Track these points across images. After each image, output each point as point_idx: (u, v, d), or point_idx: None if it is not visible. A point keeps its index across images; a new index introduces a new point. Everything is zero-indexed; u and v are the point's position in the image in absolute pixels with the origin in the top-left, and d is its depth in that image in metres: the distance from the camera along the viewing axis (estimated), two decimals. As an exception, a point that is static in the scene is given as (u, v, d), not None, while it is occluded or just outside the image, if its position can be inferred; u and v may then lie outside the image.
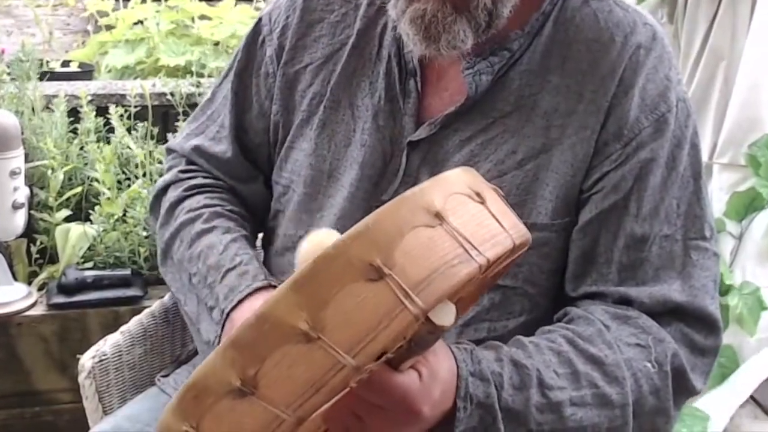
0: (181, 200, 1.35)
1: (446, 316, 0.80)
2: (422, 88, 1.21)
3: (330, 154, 1.24)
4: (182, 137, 1.42)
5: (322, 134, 1.25)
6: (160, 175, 1.46)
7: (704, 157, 2.12)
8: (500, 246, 0.85)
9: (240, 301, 1.16)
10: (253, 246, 1.32)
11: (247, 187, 1.37)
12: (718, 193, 2.25)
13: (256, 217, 1.38)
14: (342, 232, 0.79)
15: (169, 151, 1.45)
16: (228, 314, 1.16)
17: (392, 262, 0.75)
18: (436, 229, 0.78)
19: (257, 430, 0.76)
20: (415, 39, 1.11)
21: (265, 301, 0.76)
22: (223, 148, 1.36)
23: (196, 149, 1.38)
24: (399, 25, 1.14)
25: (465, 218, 0.81)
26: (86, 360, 1.44)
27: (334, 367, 0.74)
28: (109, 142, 2.44)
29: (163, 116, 2.64)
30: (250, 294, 1.16)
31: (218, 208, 1.32)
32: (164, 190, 1.39)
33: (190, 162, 1.40)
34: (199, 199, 1.33)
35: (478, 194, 0.86)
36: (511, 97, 1.16)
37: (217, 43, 3.34)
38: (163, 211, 1.36)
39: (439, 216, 0.79)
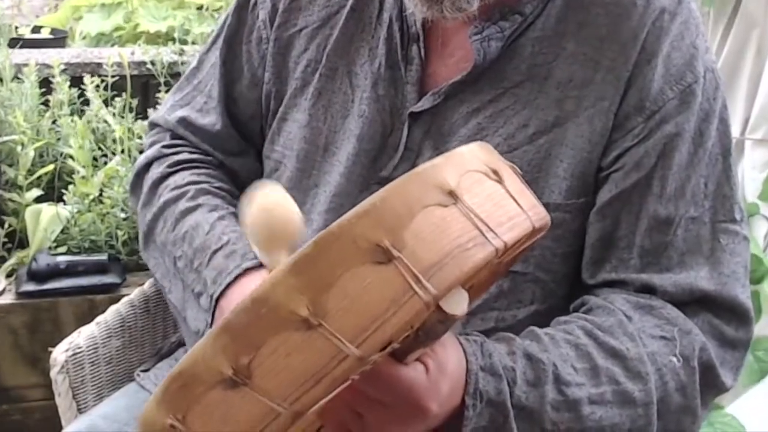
0: (164, 177, 1.34)
1: (458, 304, 0.79)
2: (426, 55, 1.19)
3: (326, 127, 1.23)
4: (166, 109, 1.41)
5: (317, 104, 1.24)
6: (141, 152, 1.44)
7: (736, 132, 2.12)
8: (518, 228, 0.84)
9: (229, 285, 1.15)
10: None
11: (238, 161, 1.37)
12: (751, 171, 2.22)
13: None
14: (338, 212, 0.77)
15: (152, 125, 1.44)
16: (217, 300, 1.16)
17: (402, 243, 0.74)
18: (449, 208, 0.77)
19: (250, 424, 0.75)
20: (416, 0, 1.10)
21: (261, 283, 0.75)
22: (211, 120, 1.35)
23: (182, 121, 1.37)
24: None
25: (481, 198, 0.80)
26: (59, 353, 1.43)
27: (335, 357, 0.72)
28: (84, 116, 2.42)
29: (142, 87, 2.63)
30: (239, 275, 1.15)
31: (205, 185, 1.31)
32: (146, 167, 1.38)
33: (175, 136, 1.39)
34: (184, 176, 1.32)
35: (495, 172, 0.85)
36: (522, 66, 1.15)
37: (201, 7, 3.31)
38: (145, 189, 1.35)
39: (453, 195, 0.78)
